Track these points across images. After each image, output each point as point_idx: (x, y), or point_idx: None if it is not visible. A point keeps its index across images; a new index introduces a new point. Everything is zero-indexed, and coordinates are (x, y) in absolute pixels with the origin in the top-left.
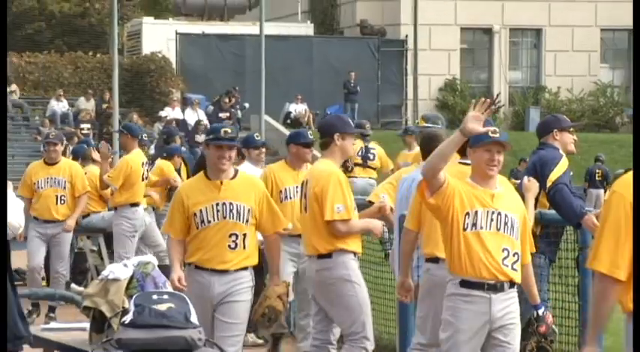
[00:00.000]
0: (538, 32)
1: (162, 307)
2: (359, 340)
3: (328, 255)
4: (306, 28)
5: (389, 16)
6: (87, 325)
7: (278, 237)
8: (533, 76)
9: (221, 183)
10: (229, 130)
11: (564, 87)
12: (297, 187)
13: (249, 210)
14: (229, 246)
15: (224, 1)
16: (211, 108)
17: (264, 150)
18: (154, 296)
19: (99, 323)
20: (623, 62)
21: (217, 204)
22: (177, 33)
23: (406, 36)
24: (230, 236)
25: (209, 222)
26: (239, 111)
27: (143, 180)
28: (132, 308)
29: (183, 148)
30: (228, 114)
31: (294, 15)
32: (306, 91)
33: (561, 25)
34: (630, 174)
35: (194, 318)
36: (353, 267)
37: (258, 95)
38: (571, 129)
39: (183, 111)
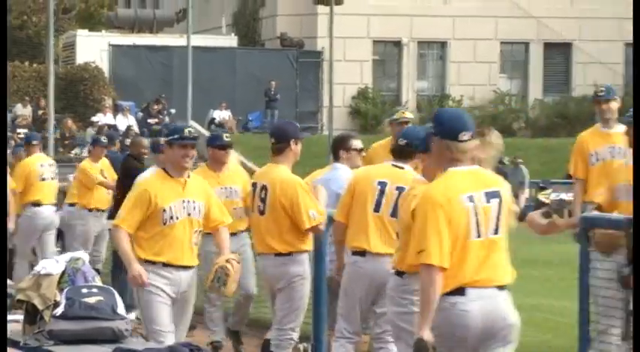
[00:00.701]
0: (443, 45)
1: (92, 300)
2: (288, 330)
3: (287, 254)
4: (230, 40)
5: (307, 29)
6: (20, 317)
7: (227, 227)
8: (438, 85)
9: (185, 181)
10: (192, 130)
11: (467, 95)
12: (222, 188)
13: (204, 207)
14: (194, 242)
15: (153, 14)
16: (140, 114)
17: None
18: (84, 290)
19: (31, 315)
20: (520, 72)
21: (183, 201)
22: (109, 44)
23: (322, 48)
24: (194, 232)
25: (177, 218)
26: (166, 117)
27: (43, 180)
28: (63, 301)
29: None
30: (156, 120)
31: (219, 28)
32: (229, 99)
33: (464, 38)
34: (436, 182)
35: (121, 310)
36: (307, 264)
37: (184, 102)
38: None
39: (114, 117)
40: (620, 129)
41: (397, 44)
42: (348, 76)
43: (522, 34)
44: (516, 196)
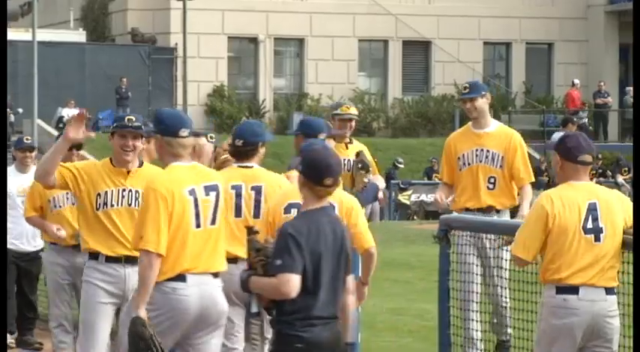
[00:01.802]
0: (301, 42)
1: None
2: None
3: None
4: (79, 35)
5: (159, 24)
6: None
7: None
8: (296, 84)
9: (128, 171)
10: (133, 118)
11: (325, 94)
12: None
13: None
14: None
15: None
16: None
17: (31, 154)
18: None
19: None
20: (379, 71)
21: (124, 190)
22: None
23: (176, 44)
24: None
25: (112, 205)
26: (12, 116)
27: None
28: None
29: None
30: None
31: (67, 22)
32: (78, 96)
33: (322, 35)
34: (159, 174)
35: None
36: None
37: (30, 100)
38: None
39: None
40: (491, 129)
41: (253, 41)
42: (202, 73)
43: (381, 32)
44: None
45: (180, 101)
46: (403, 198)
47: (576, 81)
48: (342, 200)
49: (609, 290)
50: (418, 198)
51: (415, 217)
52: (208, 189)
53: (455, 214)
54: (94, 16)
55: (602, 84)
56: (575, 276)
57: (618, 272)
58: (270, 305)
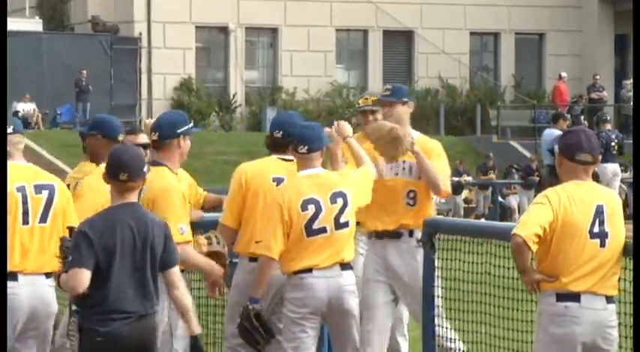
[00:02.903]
0: (274, 32)
1: None
2: None
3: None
4: (35, 24)
5: (122, 12)
6: None
7: None
8: (269, 76)
9: None
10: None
11: (301, 87)
12: None
13: None
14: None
15: None
16: None
17: None
18: None
19: None
20: (358, 63)
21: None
22: None
23: (140, 33)
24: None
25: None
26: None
27: None
28: None
29: None
30: None
31: (22, 10)
32: (34, 90)
33: (297, 24)
34: None
35: None
36: None
37: None
38: None
39: None
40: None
41: (223, 30)
42: (168, 65)
43: (360, 21)
44: None
45: (145, 95)
46: None
47: (564, 74)
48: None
49: (609, 299)
50: None
51: None
52: (40, 188)
53: (439, 217)
54: (51, 4)
55: (597, 77)
56: (577, 283)
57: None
58: (75, 300)
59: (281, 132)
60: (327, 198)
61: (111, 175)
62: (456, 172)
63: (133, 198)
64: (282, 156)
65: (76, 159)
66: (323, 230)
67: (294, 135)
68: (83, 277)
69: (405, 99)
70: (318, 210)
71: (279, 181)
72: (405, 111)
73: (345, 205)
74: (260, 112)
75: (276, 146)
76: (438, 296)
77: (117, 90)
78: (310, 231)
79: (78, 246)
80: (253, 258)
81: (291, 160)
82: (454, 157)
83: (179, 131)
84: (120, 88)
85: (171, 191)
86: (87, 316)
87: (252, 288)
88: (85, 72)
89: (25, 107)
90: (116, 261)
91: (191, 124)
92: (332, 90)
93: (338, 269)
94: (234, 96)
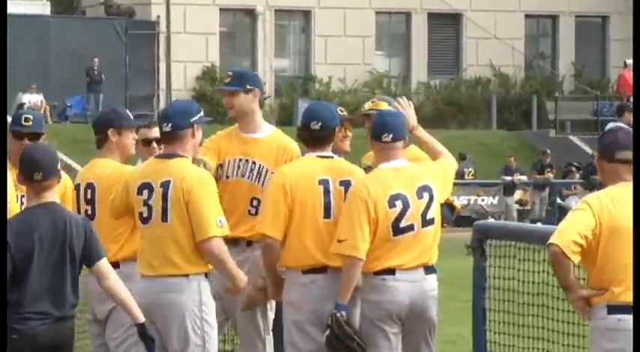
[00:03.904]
0: (306, 15)
1: None
2: None
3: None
4: (42, 7)
5: None
6: None
7: None
8: (301, 64)
9: None
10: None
11: (336, 76)
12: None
13: None
14: None
15: None
16: None
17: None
18: None
19: None
20: (400, 50)
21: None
22: None
23: (158, 17)
24: None
25: None
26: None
27: None
28: None
29: None
30: None
31: None
32: (42, 80)
33: (332, 6)
34: None
35: None
36: None
37: None
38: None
39: None
40: (261, 135)
41: (250, 13)
42: (190, 52)
43: (402, 3)
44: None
45: (163, 85)
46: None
47: (629, 61)
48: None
49: None
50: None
51: (444, 224)
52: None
53: (491, 221)
54: None
55: None
56: (629, 292)
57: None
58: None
59: (320, 124)
60: (414, 192)
61: (25, 176)
62: (508, 171)
63: (49, 197)
64: (320, 154)
65: (89, 155)
66: (410, 228)
67: (376, 123)
68: None
69: (250, 87)
70: (406, 206)
71: (325, 184)
72: (249, 100)
73: (431, 200)
74: (291, 104)
75: (313, 140)
76: (490, 309)
77: (132, 80)
78: (397, 229)
79: None
80: (307, 271)
81: (331, 157)
82: (506, 154)
83: (192, 120)
84: (136, 78)
85: (207, 180)
86: (8, 315)
87: (340, 294)
88: (97, 60)
89: (31, 99)
90: (34, 263)
91: (202, 113)
92: (371, 80)
93: (422, 272)
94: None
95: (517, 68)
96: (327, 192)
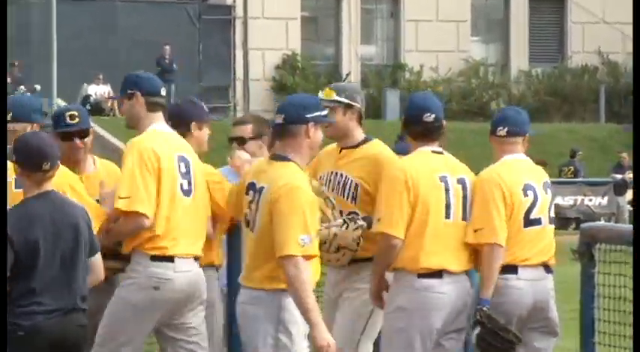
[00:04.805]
0: None
1: None
2: None
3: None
4: None
5: None
6: None
7: None
8: (390, 52)
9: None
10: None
11: (428, 65)
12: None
13: None
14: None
15: None
16: None
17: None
18: None
19: None
20: (499, 35)
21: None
22: None
23: (234, 0)
24: None
25: None
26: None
27: None
28: None
29: None
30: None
31: None
32: (108, 70)
33: None
34: None
35: None
36: None
37: (48, 73)
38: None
39: None
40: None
41: None
42: (269, 38)
43: None
44: None
45: (240, 75)
46: None
47: None
48: None
49: None
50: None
51: None
52: None
53: (600, 222)
54: None
55: None
56: None
57: None
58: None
59: (433, 116)
60: (541, 185)
61: (33, 166)
62: (619, 168)
63: (48, 186)
64: (434, 149)
65: None
66: (538, 221)
67: (497, 117)
68: None
69: (132, 91)
70: (536, 197)
71: (445, 182)
72: (133, 105)
73: (553, 198)
74: (379, 95)
75: (427, 133)
76: (599, 320)
77: (206, 69)
78: (527, 221)
79: None
80: (423, 274)
81: (442, 153)
82: (616, 149)
83: (309, 116)
84: (210, 67)
85: (298, 193)
86: (11, 311)
87: (485, 287)
88: (168, 47)
89: (97, 90)
90: (41, 254)
91: (325, 112)
92: (466, 69)
93: (543, 270)
94: (347, 75)
95: (627, 55)
96: (447, 190)
